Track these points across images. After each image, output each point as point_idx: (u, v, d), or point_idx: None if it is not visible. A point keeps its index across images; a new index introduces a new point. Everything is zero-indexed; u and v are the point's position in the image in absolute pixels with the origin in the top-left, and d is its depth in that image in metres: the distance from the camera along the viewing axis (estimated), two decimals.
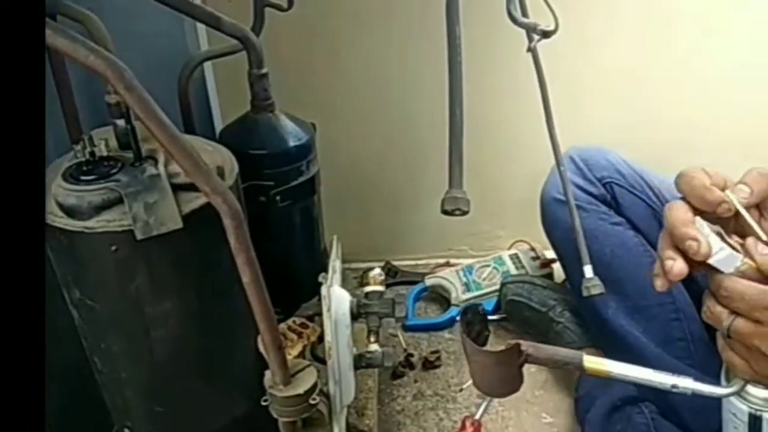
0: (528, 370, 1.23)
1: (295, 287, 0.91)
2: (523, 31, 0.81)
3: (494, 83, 1.19)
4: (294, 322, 0.92)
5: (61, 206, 0.59)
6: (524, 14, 0.83)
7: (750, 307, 0.43)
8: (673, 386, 0.52)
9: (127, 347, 0.66)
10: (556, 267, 1.23)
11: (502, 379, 0.60)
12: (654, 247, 0.96)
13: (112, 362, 0.68)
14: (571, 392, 1.06)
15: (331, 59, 1.18)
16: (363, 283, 0.87)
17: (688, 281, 0.96)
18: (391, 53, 1.18)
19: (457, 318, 1.24)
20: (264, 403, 0.66)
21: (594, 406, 0.94)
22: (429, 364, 1.14)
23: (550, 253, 1.21)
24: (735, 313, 0.44)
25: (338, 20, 1.15)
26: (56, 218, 0.59)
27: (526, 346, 0.57)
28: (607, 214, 0.99)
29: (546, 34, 0.79)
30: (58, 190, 0.60)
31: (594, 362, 0.55)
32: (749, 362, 0.45)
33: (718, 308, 0.45)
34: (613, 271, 0.93)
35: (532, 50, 0.81)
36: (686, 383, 0.52)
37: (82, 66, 0.49)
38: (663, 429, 0.86)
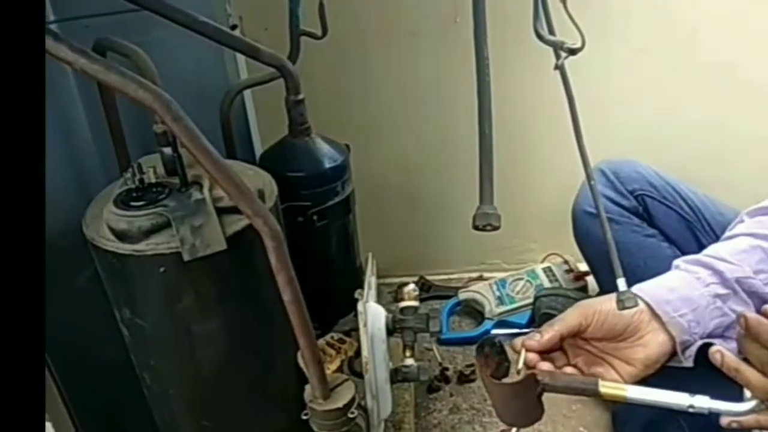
0: None
1: (332, 303, 0.93)
2: (550, 49, 0.82)
3: (523, 99, 1.20)
4: (332, 337, 0.94)
5: (112, 230, 0.62)
6: (551, 32, 0.84)
7: None
8: (690, 406, 0.53)
9: (174, 365, 0.69)
10: (590, 280, 1.23)
11: (523, 409, 0.62)
12: None
13: (161, 379, 0.71)
14: (608, 407, 1.05)
15: (364, 83, 1.21)
16: (398, 298, 0.89)
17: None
18: (420, 75, 1.21)
19: (492, 332, 1.25)
20: (305, 417, 0.68)
21: (631, 420, 0.93)
22: (464, 378, 1.14)
23: (584, 266, 1.20)
24: None
25: (369, 45, 1.18)
26: (108, 242, 0.62)
27: (542, 375, 0.59)
28: (640, 226, 0.99)
29: (573, 52, 0.81)
30: (110, 216, 0.63)
31: (610, 387, 0.56)
32: None
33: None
34: None
35: (559, 67, 0.82)
36: (702, 402, 0.53)
37: (131, 100, 0.52)
38: None
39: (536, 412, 0.62)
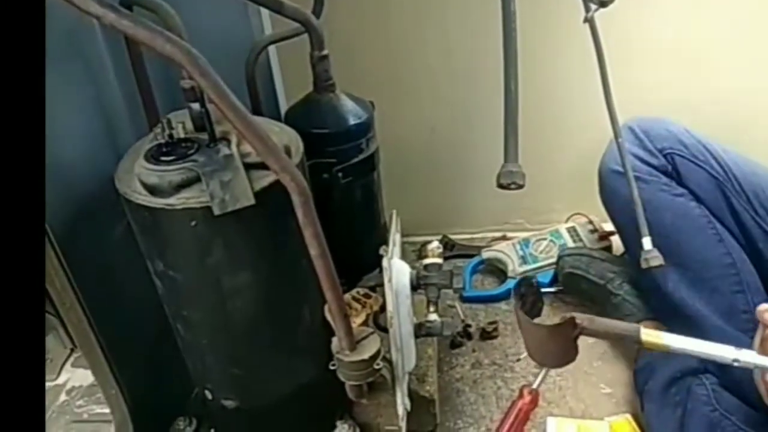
0: (586, 341, 1.24)
1: (357, 259, 0.94)
2: (579, 1, 0.80)
3: (550, 54, 1.17)
4: (357, 292, 0.96)
5: (144, 185, 0.64)
6: None
7: None
8: (735, 360, 0.51)
9: (206, 316, 0.71)
10: (615, 240, 1.22)
11: (557, 351, 0.62)
12: (717, 218, 0.95)
13: (193, 329, 0.73)
14: (629, 364, 1.06)
15: (387, 38, 1.19)
16: (422, 255, 0.90)
17: (753, 252, 0.94)
18: (445, 29, 1.18)
19: (514, 290, 1.25)
20: (332, 368, 0.70)
21: (653, 378, 0.94)
22: (486, 335, 1.16)
23: (609, 226, 1.20)
24: None
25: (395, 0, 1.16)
26: (140, 196, 0.63)
27: (581, 319, 0.58)
28: (668, 185, 0.97)
29: (603, 4, 0.79)
30: (141, 170, 0.64)
31: (652, 335, 0.55)
32: None
33: None
34: (674, 242, 0.92)
35: (589, 20, 0.80)
36: (748, 357, 0.51)
37: (158, 55, 0.52)
38: (724, 401, 0.85)
39: (570, 355, 0.62)
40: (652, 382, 0.94)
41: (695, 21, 1.15)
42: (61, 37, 0.69)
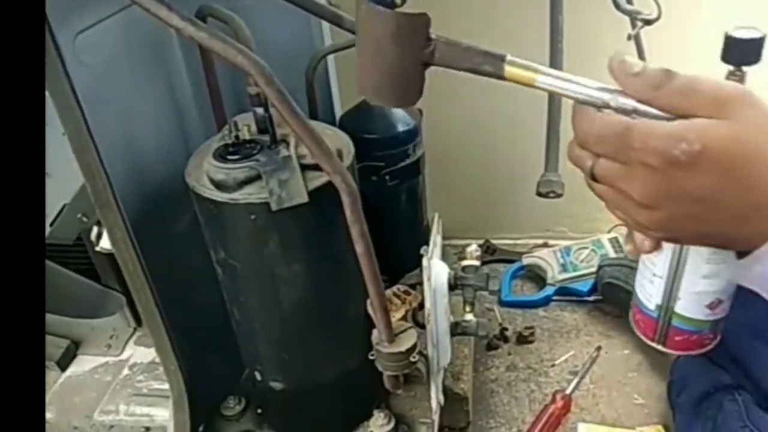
0: (622, 352, 1.25)
1: (399, 258, 0.99)
2: (625, 18, 0.83)
3: (595, 68, 1.19)
4: (398, 288, 1.01)
5: (211, 180, 0.70)
6: (629, 1, 0.85)
7: (611, 150, 0.39)
8: (610, 103, 0.43)
9: (260, 302, 0.77)
10: None
11: (397, 70, 0.49)
12: None
13: (248, 314, 0.80)
14: (664, 376, 1.06)
15: None
16: (461, 258, 0.94)
17: None
18: (492, 40, 1.21)
19: (553, 298, 1.27)
20: (371, 358, 0.75)
21: (686, 391, 0.95)
22: (523, 339, 1.18)
23: None
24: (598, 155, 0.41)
25: (444, 13, 1.20)
26: (207, 190, 0.70)
27: (438, 36, 0.48)
28: None
29: (648, 22, 0.81)
30: (209, 167, 0.71)
31: (518, 67, 0.47)
32: (620, 208, 0.42)
33: (578, 151, 0.42)
34: None
35: (634, 37, 0.83)
36: (627, 100, 0.43)
37: (230, 64, 0.58)
38: (757, 419, 0.84)
39: (410, 87, 0.49)
40: (684, 395, 0.95)
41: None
42: (144, 47, 0.76)
